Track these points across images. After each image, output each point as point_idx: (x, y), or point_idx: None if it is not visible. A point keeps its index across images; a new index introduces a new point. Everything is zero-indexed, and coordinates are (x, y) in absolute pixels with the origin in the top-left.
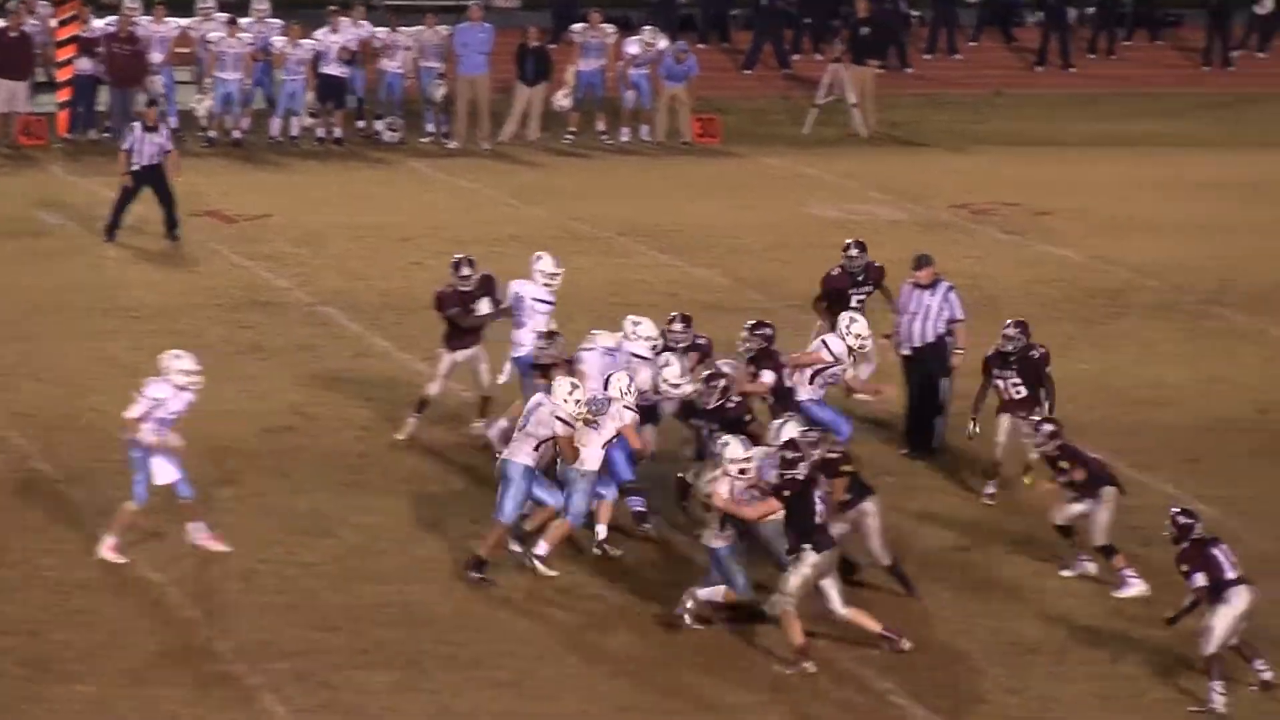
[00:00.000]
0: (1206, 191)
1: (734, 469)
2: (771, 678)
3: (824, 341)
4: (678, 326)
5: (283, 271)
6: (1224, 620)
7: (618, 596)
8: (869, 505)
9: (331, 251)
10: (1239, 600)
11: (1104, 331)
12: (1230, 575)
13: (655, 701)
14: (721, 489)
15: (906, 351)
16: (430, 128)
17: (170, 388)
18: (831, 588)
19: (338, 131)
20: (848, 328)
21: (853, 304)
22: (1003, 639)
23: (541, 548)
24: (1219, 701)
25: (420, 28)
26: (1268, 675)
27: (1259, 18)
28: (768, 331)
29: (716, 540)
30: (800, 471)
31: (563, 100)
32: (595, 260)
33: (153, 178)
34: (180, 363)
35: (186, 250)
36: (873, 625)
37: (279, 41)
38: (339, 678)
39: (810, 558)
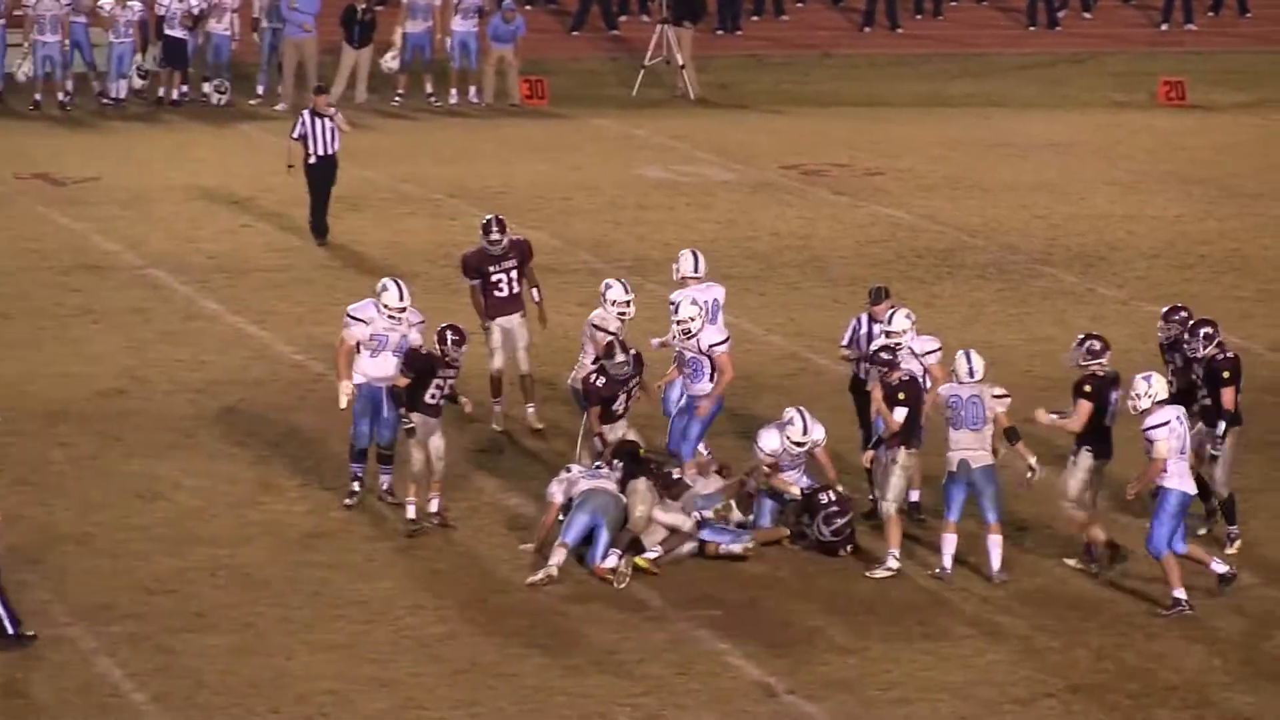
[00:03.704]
0: (1032, 152)
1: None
2: (605, 643)
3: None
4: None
5: (112, 234)
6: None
7: (450, 561)
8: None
9: (160, 214)
10: None
11: (933, 292)
12: None
13: (493, 664)
14: None
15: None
16: (260, 90)
17: None
18: None
19: (176, 95)
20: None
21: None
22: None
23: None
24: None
25: None
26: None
27: None
28: None
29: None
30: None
31: (390, 62)
32: (424, 222)
33: None
34: None
35: (14, 213)
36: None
37: (107, 4)
38: (175, 641)
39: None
